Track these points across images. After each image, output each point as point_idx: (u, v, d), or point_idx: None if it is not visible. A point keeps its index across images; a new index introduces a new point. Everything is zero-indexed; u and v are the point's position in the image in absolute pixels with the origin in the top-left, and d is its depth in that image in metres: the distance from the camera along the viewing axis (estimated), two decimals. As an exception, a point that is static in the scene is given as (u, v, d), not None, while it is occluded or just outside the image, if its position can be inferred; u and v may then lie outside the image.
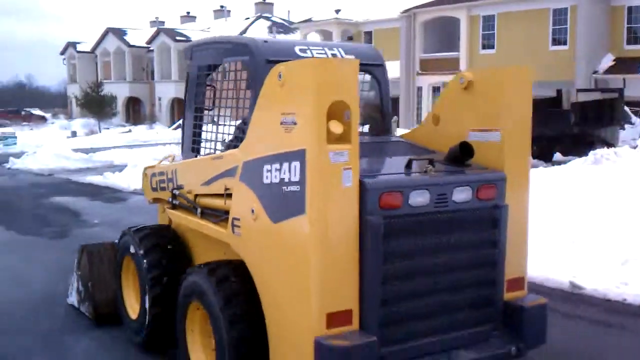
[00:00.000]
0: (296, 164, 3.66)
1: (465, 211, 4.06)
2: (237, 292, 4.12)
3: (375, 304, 3.75)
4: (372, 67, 5.27)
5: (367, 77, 5.33)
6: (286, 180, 3.75)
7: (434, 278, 3.99)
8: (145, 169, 6.55)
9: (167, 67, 54.07)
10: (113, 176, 17.73)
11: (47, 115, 64.17)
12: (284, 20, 56.07)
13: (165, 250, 5.39)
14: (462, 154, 4.21)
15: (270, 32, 52.05)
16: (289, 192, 3.74)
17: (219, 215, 4.72)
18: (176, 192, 5.51)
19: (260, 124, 4.07)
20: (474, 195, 4.07)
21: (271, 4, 58.11)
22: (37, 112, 65.12)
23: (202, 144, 5.41)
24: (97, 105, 46.01)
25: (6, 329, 6.19)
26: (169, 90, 54.13)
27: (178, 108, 55.00)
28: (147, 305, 5.28)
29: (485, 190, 4.13)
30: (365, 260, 3.71)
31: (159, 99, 55.86)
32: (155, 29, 58.87)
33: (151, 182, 6.25)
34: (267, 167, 3.93)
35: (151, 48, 55.82)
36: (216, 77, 5.36)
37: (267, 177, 3.94)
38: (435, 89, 35.02)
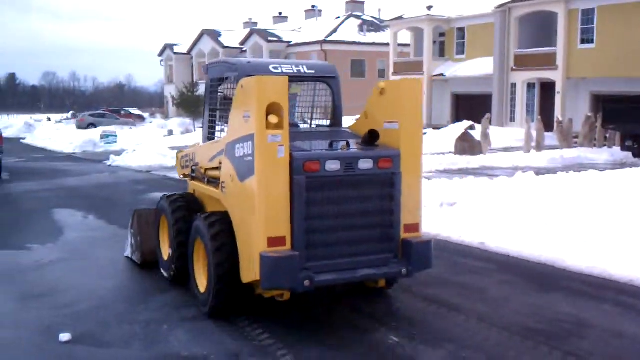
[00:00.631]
0: (250, 143, 5.60)
1: (369, 175, 5.93)
2: (220, 230, 6.12)
3: (300, 233, 5.67)
4: (328, 79, 7.20)
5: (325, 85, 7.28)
6: (246, 154, 5.70)
7: (346, 219, 5.86)
8: (177, 153, 8.77)
9: (259, 67, 55.08)
10: (207, 173, 18.22)
11: (145, 115, 66.73)
12: (374, 18, 55.94)
13: (187, 209, 7.31)
14: (370, 138, 6.09)
15: (361, 30, 52.07)
16: (247, 161, 5.69)
17: (216, 182, 6.73)
18: (194, 167, 7.68)
19: (235, 118, 6.02)
20: (375, 165, 5.92)
21: (362, 3, 58.08)
22: (135, 111, 67.83)
23: (215, 134, 7.25)
24: (192, 104, 47.48)
25: (108, 320, 6.51)
26: (260, 89, 55.14)
27: (269, 107, 56.01)
28: (174, 248, 7.26)
29: (384, 162, 5.96)
30: (294, 205, 5.63)
31: (251, 98, 56.97)
32: (248, 30, 60.12)
33: (181, 162, 8.51)
34: (237, 146, 5.89)
35: (244, 49, 57.05)
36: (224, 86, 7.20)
37: (237, 153, 5.90)
38: (530, 86, 33.96)
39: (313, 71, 7.01)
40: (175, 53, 66.52)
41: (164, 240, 7.89)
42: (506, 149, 25.32)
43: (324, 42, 49.40)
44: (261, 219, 5.53)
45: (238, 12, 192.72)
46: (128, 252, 8.83)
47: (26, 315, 6.68)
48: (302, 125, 7.49)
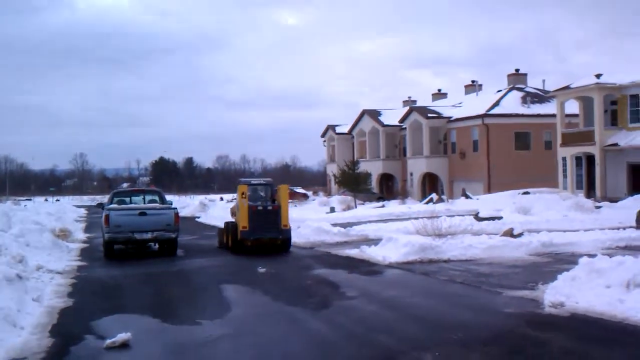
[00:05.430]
0: (237, 201, 21.36)
1: (271, 210, 20.58)
2: (232, 226, 21.33)
3: (251, 225, 20.17)
4: (270, 185, 22.50)
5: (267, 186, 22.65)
6: (237, 205, 21.48)
7: (265, 222, 20.41)
8: (230, 209, 26.04)
9: (419, 143, 55.14)
10: (369, 249, 18.14)
11: (309, 193, 68.73)
12: (537, 89, 54.37)
13: (232, 225, 21.20)
14: (272, 201, 21.55)
15: (524, 102, 50.73)
16: (237, 206, 21.41)
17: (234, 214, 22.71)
18: (233, 212, 23.46)
19: (237, 196, 21.31)
20: (272, 207, 20.68)
21: (524, 75, 56.77)
22: (299, 190, 70.19)
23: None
24: (353, 182, 48.30)
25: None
26: (420, 165, 54.99)
27: (429, 183, 55.48)
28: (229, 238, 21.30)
29: (275, 207, 20.63)
30: (248, 218, 20.19)
31: (411, 174, 56.95)
32: (407, 108, 60.79)
33: (230, 212, 25.00)
34: (236, 202, 22.10)
35: (404, 126, 57.57)
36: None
37: (235, 205, 23.20)
38: None
39: (264, 181, 22.95)
40: (337, 133, 68.66)
41: (225, 236, 21.31)
42: (696, 223, 22.87)
43: (486, 115, 48.55)
44: (240, 222, 20.17)
45: (397, 93, 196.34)
46: (217, 244, 22.76)
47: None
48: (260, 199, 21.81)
